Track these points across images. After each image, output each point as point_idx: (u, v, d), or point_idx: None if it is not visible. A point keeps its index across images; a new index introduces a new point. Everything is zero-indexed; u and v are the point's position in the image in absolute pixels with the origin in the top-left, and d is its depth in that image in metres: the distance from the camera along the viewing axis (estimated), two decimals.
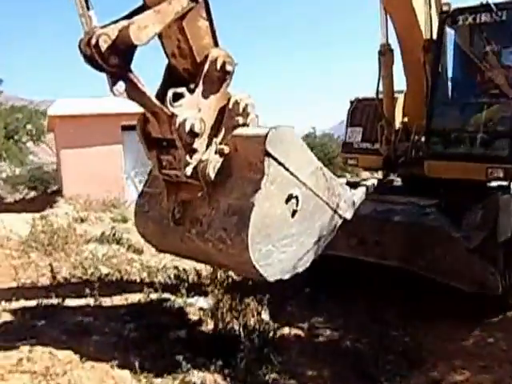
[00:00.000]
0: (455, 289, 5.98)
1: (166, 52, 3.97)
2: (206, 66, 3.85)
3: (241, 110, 3.97)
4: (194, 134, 3.73)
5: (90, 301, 5.45)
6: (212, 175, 3.84)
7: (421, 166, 7.12)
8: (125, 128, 17.97)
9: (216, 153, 3.89)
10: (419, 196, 6.89)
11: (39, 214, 12.16)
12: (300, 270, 4.11)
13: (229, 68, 3.89)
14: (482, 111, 6.71)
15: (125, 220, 12.45)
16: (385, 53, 7.66)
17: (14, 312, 4.83)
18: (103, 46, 3.33)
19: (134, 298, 5.90)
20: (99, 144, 17.29)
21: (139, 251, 9.23)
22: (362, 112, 8.92)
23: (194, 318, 5.56)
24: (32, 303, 5.16)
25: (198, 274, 7.05)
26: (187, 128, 3.67)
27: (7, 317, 4.70)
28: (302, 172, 3.96)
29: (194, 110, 3.78)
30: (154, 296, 5.91)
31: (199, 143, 3.81)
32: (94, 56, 3.38)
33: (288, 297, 6.54)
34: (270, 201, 3.76)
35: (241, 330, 5.04)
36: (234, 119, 3.95)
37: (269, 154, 3.73)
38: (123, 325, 4.85)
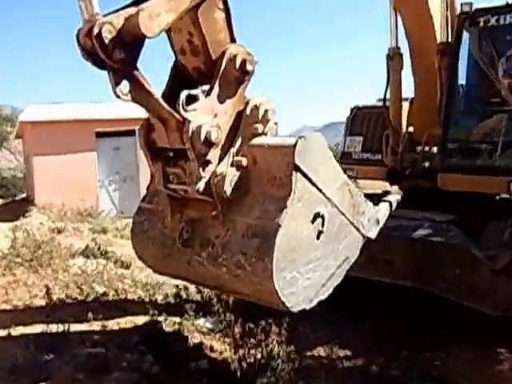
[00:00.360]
0: (475, 311, 5.62)
1: (173, 48, 3.43)
2: (223, 65, 3.31)
3: (260, 116, 3.46)
4: (209, 144, 3.20)
5: (95, 326, 5.00)
6: (228, 191, 3.33)
7: (430, 178, 6.84)
8: (99, 135, 17.45)
9: (232, 165, 3.38)
10: (425, 210, 6.62)
11: (12, 223, 11.54)
12: (323, 297, 3.62)
13: (249, 67, 3.35)
14: (504, 121, 6.43)
15: (104, 231, 11.90)
16: (393, 57, 7.30)
17: (16, 342, 4.32)
18: (107, 38, 2.81)
19: (139, 320, 5.47)
20: (73, 151, 16.65)
21: (127, 265, 8.75)
22: (363, 120, 8.61)
23: (209, 342, 5.19)
24: (32, 330, 4.66)
25: (200, 291, 6.65)
26: (202, 136, 3.15)
27: (9, 349, 4.18)
28: (328, 187, 3.50)
29: (209, 115, 3.26)
30: (159, 318, 5.51)
31: (213, 154, 3.29)
32: (95, 49, 2.85)
33: (299, 317, 6.20)
34: (296, 221, 3.30)
35: (264, 356, 4.71)
36: (252, 127, 3.44)
37: (297, 168, 3.26)
38: (141, 357, 4.40)
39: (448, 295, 5.80)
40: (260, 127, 3.46)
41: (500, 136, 6.36)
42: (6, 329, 4.57)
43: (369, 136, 8.29)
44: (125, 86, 2.96)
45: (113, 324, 5.17)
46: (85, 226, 12.44)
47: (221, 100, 3.33)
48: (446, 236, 6.02)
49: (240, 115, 3.42)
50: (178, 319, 5.62)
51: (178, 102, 3.09)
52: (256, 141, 3.43)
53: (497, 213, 6.07)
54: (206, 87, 3.36)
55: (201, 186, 3.25)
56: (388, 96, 7.44)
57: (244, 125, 3.41)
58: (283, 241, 3.19)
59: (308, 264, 3.39)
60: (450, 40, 7.02)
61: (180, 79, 3.44)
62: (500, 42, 6.90)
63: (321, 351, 5.81)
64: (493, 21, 6.67)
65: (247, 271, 3.25)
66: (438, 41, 6.98)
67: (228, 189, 3.30)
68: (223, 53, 3.31)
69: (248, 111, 3.42)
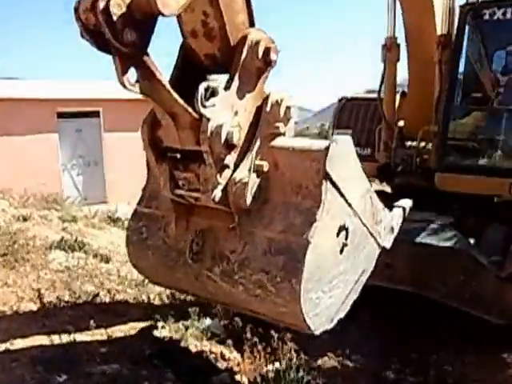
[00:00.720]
0: (478, 318, 5.45)
1: (182, 30, 2.92)
2: (245, 52, 2.83)
3: (282, 113, 3.00)
4: (230, 147, 2.79)
5: (98, 335, 4.48)
6: (249, 200, 2.91)
7: (424, 176, 6.57)
8: (61, 115, 16.50)
9: (251, 171, 2.96)
10: (419, 210, 6.35)
11: None
12: (343, 314, 3.30)
13: (273, 57, 2.89)
14: (507, 119, 6.27)
15: (75, 220, 11.14)
16: (391, 47, 6.96)
17: (19, 360, 3.72)
18: (115, 14, 2.28)
19: (142, 327, 4.98)
20: (32, 132, 15.69)
21: (107, 259, 8.16)
22: (351, 113, 8.31)
23: (221, 350, 4.78)
24: (32, 343, 4.09)
25: None
26: (223, 138, 2.72)
27: (14, 369, 3.58)
28: (354, 197, 3.16)
29: (229, 112, 2.82)
30: (163, 324, 5.05)
31: (231, 157, 2.86)
32: (99, 27, 2.33)
33: None
34: (323, 235, 2.94)
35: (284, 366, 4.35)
36: (271, 126, 2.99)
37: (327, 176, 2.88)
38: (159, 373, 3.93)
39: (450, 302, 5.59)
40: (282, 126, 3.03)
41: (501, 136, 6.20)
42: (3, 343, 3.99)
43: (357, 129, 7.97)
44: (132, 74, 2.49)
45: (116, 332, 4.65)
46: (52, 214, 11.60)
47: (240, 95, 2.88)
48: (449, 240, 5.73)
49: (259, 112, 2.98)
50: (181, 324, 5.18)
51: (196, 96, 2.60)
52: (278, 142, 3.01)
53: (497, 215, 5.89)
54: (220, 77, 2.90)
55: (217, 193, 2.85)
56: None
57: (263, 123, 2.97)
58: (312, 259, 2.83)
59: (332, 281, 3.06)
60: (450, 32, 6.67)
61: (188, 68, 2.92)
62: (503, 36, 6.72)
63: (332, 358, 5.51)
64: (499, 14, 6.44)
65: (269, 292, 2.91)
66: (438, 32, 6.68)
67: (249, 198, 2.90)
68: (243, 38, 2.85)
69: (268, 107, 2.98)
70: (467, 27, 6.66)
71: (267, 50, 2.84)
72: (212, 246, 3.17)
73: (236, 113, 2.84)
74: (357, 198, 3.15)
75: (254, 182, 2.90)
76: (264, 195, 2.97)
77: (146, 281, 6.97)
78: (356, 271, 3.31)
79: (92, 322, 4.59)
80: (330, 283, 3.02)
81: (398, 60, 7.10)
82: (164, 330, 4.84)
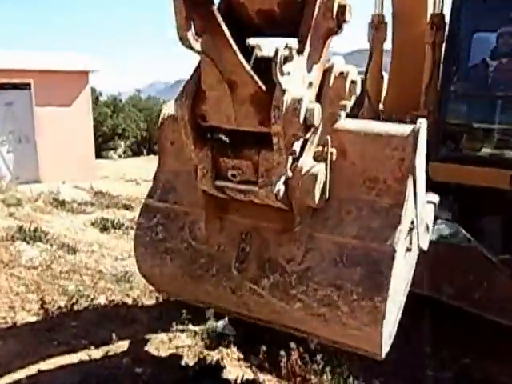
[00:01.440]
0: (489, 321, 5.19)
1: None
2: (316, 9, 2.28)
3: (347, 89, 2.48)
4: (307, 128, 2.19)
5: (120, 348, 4.03)
6: (317, 197, 2.38)
7: None
8: None
9: (316, 159, 2.40)
10: None
11: None
12: (394, 333, 2.73)
13: (348, 16, 2.37)
14: (503, 107, 6.15)
15: (20, 203, 10.22)
16: (378, 26, 6.62)
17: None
18: None
19: (157, 337, 4.49)
20: None
21: (73, 250, 7.53)
22: None
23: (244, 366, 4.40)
24: (52, 365, 3.60)
25: None
26: (301, 116, 2.13)
27: None
28: (419, 193, 2.65)
29: (302, 83, 2.27)
30: (175, 332, 4.60)
31: (299, 143, 2.26)
32: None
33: None
34: (402, 241, 2.47)
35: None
36: (334, 104, 2.49)
37: (413, 169, 2.43)
38: None
39: (458, 303, 5.35)
40: (348, 105, 2.55)
41: (500, 124, 6.10)
42: (16, 371, 3.43)
43: None
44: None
45: (139, 345, 4.21)
46: None
47: (310, 63, 2.31)
48: (453, 237, 5.59)
49: (321, 86, 2.43)
50: (197, 327, 4.76)
51: (274, 60, 2.05)
52: (344, 125, 2.52)
53: (497, 209, 5.68)
54: (275, 42, 2.28)
55: (281, 187, 2.28)
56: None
57: (325, 100, 2.43)
58: (396, 271, 2.38)
59: (396, 294, 2.56)
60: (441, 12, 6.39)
61: (229, 28, 2.17)
62: (493, 18, 6.57)
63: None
64: None
65: (340, 311, 2.41)
66: (430, 11, 6.47)
67: (318, 193, 2.37)
68: None
69: (331, 81, 2.44)
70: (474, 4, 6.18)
71: (342, 8, 2.32)
72: (259, 252, 2.61)
73: (310, 84, 2.30)
74: (421, 195, 2.66)
75: (322, 173, 2.37)
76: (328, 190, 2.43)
77: (127, 274, 6.58)
78: (408, 278, 2.88)
79: (105, 331, 4.15)
80: (395, 296, 2.53)
81: (385, 39, 6.83)
82: (186, 339, 4.40)
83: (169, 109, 2.95)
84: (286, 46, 2.10)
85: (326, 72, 2.40)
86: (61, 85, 15.61)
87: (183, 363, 3.99)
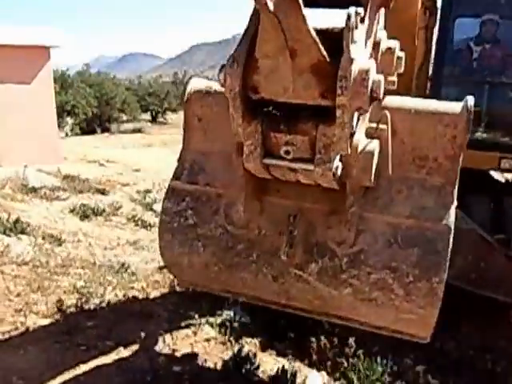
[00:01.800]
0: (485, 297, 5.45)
1: None
2: None
3: (394, 65, 2.45)
4: (372, 100, 2.07)
5: (141, 348, 3.97)
6: (372, 175, 2.32)
7: None
8: None
9: (369, 136, 2.33)
10: None
11: None
12: None
13: None
14: (501, 91, 6.21)
15: None
16: None
17: None
18: None
19: (181, 332, 4.41)
20: None
21: (58, 241, 7.27)
22: None
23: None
24: (82, 372, 3.50)
25: None
26: (369, 87, 2.01)
27: None
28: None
29: (367, 54, 2.18)
30: (200, 327, 4.51)
31: (356, 118, 2.17)
32: None
33: None
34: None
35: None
36: None
37: (465, 147, 2.39)
38: None
39: (456, 283, 5.36)
40: (395, 81, 2.54)
41: (486, 108, 6.23)
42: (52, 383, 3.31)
43: None
44: None
45: (166, 341, 4.15)
46: None
47: (369, 34, 2.21)
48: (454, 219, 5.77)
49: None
50: (218, 319, 4.67)
51: (346, 24, 1.96)
52: (392, 102, 2.48)
53: (486, 190, 5.93)
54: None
55: (339, 166, 2.17)
56: None
57: None
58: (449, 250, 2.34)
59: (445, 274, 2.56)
60: None
61: None
62: (478, 4, 6.69)
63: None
64: None
65: (395, 294, 2.34)
66: None
67: (372, 171, 2.30)
68: None
69: (379, 55, 2.37)
70: None
71: None
72: (305, 236, 2.49)
73: (371, 55, 2.19)
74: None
75: (377, 151, 2.31)
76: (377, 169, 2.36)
77: (124, 265, 6.43)
78: None
79: (128, 334, 4.07)
80: None
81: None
82: (211, 331, 4.37)
83: (196, 83, 2.84)
84: (356, 12, 1.99)
85: (374, 46, 2.31)
86: (19, 61, 14.83)
87: (218, 357, 3.96)
